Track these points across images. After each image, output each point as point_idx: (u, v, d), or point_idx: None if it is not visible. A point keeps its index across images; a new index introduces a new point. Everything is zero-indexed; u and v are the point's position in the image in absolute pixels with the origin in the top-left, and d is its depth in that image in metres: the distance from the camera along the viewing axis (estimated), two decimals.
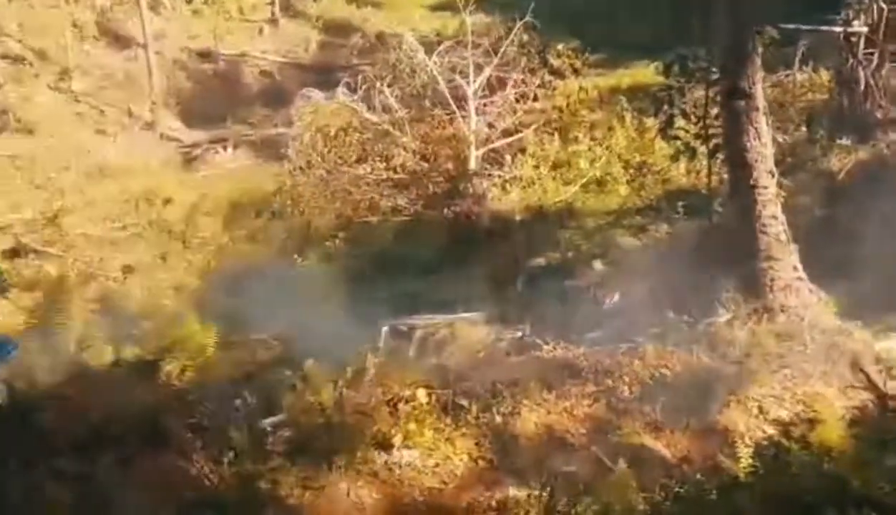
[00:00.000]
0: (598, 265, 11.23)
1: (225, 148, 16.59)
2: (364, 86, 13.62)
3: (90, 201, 14.04)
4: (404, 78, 13.75)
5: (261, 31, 19.71)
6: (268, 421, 7.04)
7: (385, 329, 9.14)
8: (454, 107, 13.09)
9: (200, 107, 17.54)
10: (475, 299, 10.07)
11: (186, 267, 12.41)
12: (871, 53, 11.57)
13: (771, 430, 6.54)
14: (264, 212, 13.70)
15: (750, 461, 5.25)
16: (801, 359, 7.38)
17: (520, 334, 8.38)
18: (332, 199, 13.15)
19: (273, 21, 19.82)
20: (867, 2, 11.53)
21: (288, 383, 7.58)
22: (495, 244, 11.78)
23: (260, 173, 15.08)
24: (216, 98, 17.83)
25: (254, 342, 9.80)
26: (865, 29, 11.51)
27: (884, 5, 11.38)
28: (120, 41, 18.54)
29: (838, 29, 11.71)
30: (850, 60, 11.66)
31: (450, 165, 12.83)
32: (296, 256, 12.10)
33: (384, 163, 13.14)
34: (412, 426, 6.45)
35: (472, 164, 12.78)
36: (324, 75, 16.51)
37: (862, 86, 11.64)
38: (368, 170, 13.13)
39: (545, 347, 7.95)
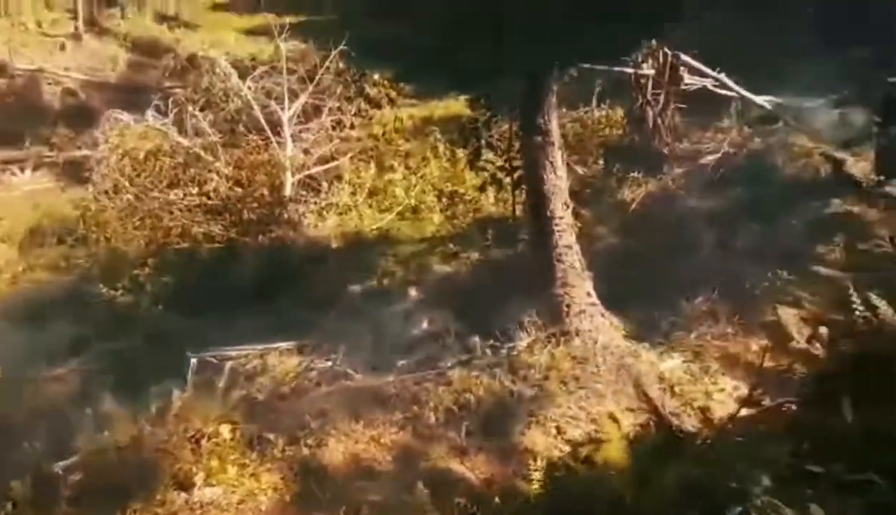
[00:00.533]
0: (412, 292, 11.43)
1: (22, 169, 15.46)
2: (175, 110, 13.15)
3: None
4: (218, 102, 13.44)
5: (62, 46, 18.54)
6: (59, 465, 6.61)
7: (193, 360, 8.81)
8: (269, 133, 12.93)
9: None
10: (289, 328, 9.92)
11: None
12: (659, 94, 12.66)
13: (566, 449, 6.93)
14: (67, 237, 12.82)
15: (540, 481, 5.53)
16: (595, 380, 7.86)
17: (330, 363, 8.37)
18: (142, 225, 12.52)
19: (76, 36, 18.71)
20: (654, 47, 12.65)
21: (85, 421, 7.17)
22: (311, 271, 11.68)
23: (62, 197, 14.16)
24: (12, 116, 16.53)
25: (50, 378, 9.16)
26: (653, 72, 12.60)
27: (668, 51, 12.52)
28: None
29: (629, 71, 12.75)
30: (641, 100, 12.69)
31: (265, 191, 12.61)
32: (101, 285, 11.39)
33: (197, 189, 12.68)
34: (215, 463, 6.28)
35: (288, 191, 12.65)
36: (132, 96, 15.71)
37: (651, 124, 12.69)
38: (180, 195, 12.61)
39: (356, 376, 8.01)
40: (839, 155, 11.70)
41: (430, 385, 7.60)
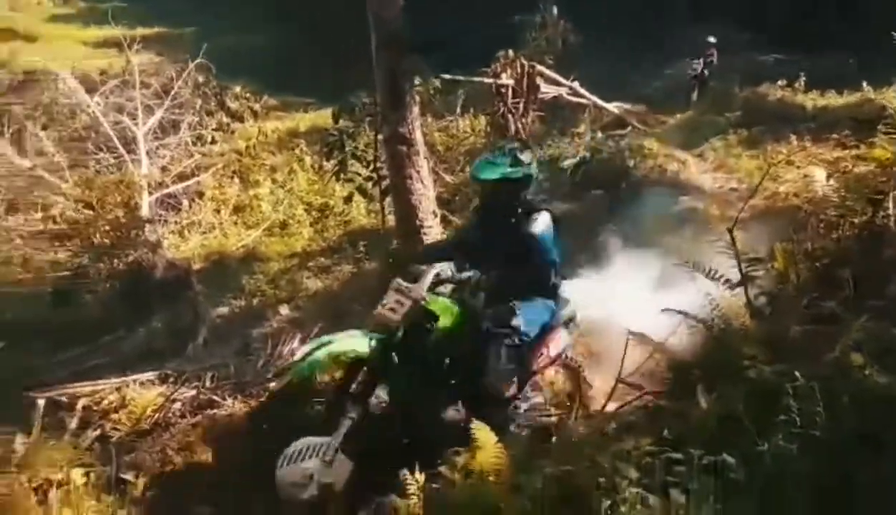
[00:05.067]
0: (283, 310, 11.13)
1: None
2: (13, 129, 12.23)
3: None
4: (62, 120, 12.63)
5: None
6: None
7: (40, 402, 8.07)
8: (122, 150, 12.26)
9: None
10: (151, 357, 9.38)
11: None
12: (518, 102, 12.93)
13: None
14: None
15: (416, 494, 5.40)
16: None
17: (194, 392, 7.90)
18: None
19: None
20: (512, 58, 12.98)
21: None
22: (174, 295, 11.11)
23: None
24: None
25: None
26: (512, 82, 12.87)
27: (525, 62, 12.87)
28: None
29: (489, 81, 12.98)
30: (502, 109, 12.92)
31: (119, 212, 11.88)
32: None
33: (41, 214, 11.85)
34: (67, 512, 5.76)
35: (145, 211, 12.00)
36: None
37: (513, 132, 12.94)
38: (21, 221, 11.74)
39: (224, 403, 7.61)
40: (682, 155, 12.37)
41: None
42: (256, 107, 15.23)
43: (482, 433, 6.48)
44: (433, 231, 8.59)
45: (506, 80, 12.78)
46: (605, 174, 12.15)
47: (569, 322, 6.38)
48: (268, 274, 12.08)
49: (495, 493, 5.12)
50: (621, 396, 7.04)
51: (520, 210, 5.65)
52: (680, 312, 6.39)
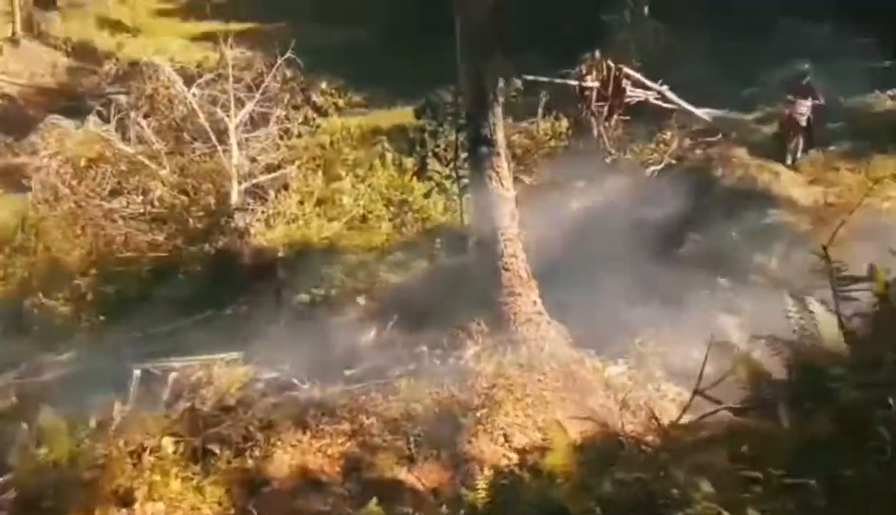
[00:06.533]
0: (361, 301, 11.40)
1: None
2: (118, 116, 12.94)
3: None
4: (162, 109, 13.26)
5: None
6: None
7: (137, 373, 8.59)
8: (215, 140, 12.79)
9: None
10: (236, 338, 9.80)
11: None
12: (602, 105, 12.89)
13: (513, 456, 6.97)
14: (5, 246, 12.47)
15: (485, 489, 5.54)
16: (541, 388, 7.92)
17: (276, 374, 8.26)
18: (83, 234, 12.30)
19: (13, 40, 18.29)
20: (598, 60, 12.95)
21: (21, 436, 6.95)
22: (258, 281, 11.56)
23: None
24: None
25: None
26: (597, 84, 12.84)
27: (612, 64, 12.81)
28: None
29: (574, 83, 12.98)
30: (585, 112, 12.91)
31: (211, 200, 12.46)
32: (40, 295, 11.06)
33: (141, 197, 12.50)
34: (157, 477, 6.15)
35: (235, 199, 12.52)
36: (73, 102, 15.44)
37: (595, 135, 12.92)
38: (123, 203, 12.43)
39: (303, 386, 7.94)
40: (775, 167, 12.09)
41: (378, 395, 7.56)
42: (340, 102, 15.66)
43: (556, 434, 6.58)
44: (510, 231, 8.69)
45: (591, 82, 12.76)
46: (691, 182, 12.00)
47: None
48: (347, 266, 12.38)
49: (564, 494, 5.19)
50: (698, 409, 7.01)
51: None
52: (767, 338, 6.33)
